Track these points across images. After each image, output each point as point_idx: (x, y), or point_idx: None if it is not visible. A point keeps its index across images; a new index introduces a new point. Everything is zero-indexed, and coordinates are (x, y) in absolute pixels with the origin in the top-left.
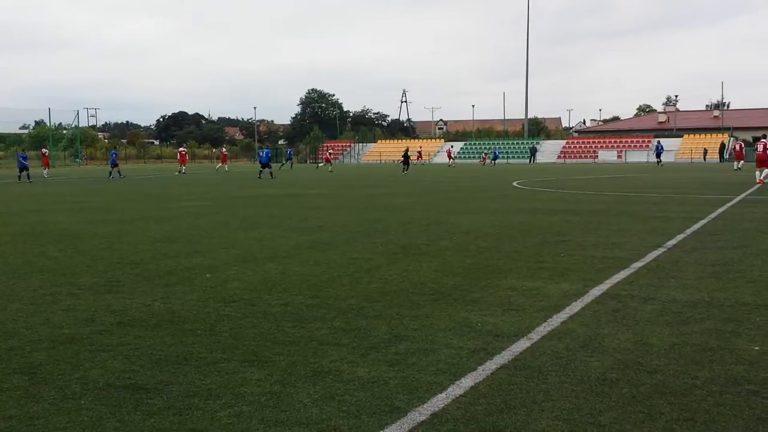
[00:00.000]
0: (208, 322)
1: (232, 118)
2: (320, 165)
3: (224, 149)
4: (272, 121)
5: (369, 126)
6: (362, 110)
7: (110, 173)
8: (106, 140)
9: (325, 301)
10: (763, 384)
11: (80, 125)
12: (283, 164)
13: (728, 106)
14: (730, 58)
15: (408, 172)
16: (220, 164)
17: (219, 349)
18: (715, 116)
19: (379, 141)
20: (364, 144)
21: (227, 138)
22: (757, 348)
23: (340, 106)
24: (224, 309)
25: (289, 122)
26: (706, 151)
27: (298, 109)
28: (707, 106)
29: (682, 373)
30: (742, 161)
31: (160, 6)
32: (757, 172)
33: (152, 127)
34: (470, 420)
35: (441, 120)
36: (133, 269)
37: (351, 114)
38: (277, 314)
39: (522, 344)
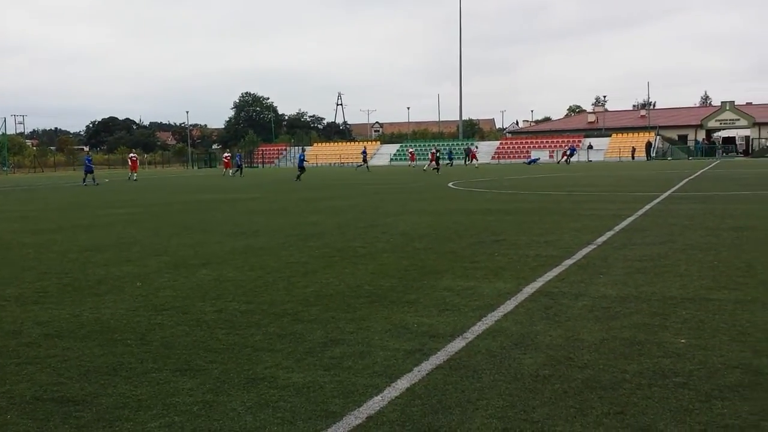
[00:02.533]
0: (138, 332)
1: (163, 122)
2: (230, 172)
3: (133, 155)
4: (205, 126)
5: (305, 129)
6: (298, 113)
7: (84, 180)
8: (35, 147)
9: (259, 306)
10: (690, 376)
11: (7, 132)
12: (236, 170)
13: (654, 106)
14: (656, 59)
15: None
16: (132, 173)
17: (150, 358)
18: (642, 116)
19: (316, 144)
20: (300, 147)
21: (159, 143)
22: (683, 341)
23: (275, 110)
24: (156, 317)
25: (223, 126)
26: (634, 150)
27: (231, 113)
28: (634, 105)
29: (612, 367)
30: None
31: (88, 11)
32: None
33: (82, 133)
34: (406, 421)
35: (377, 122)
36: (62, 279)
37: (286, 117)
38: (210, 321)
39: (457, 344)
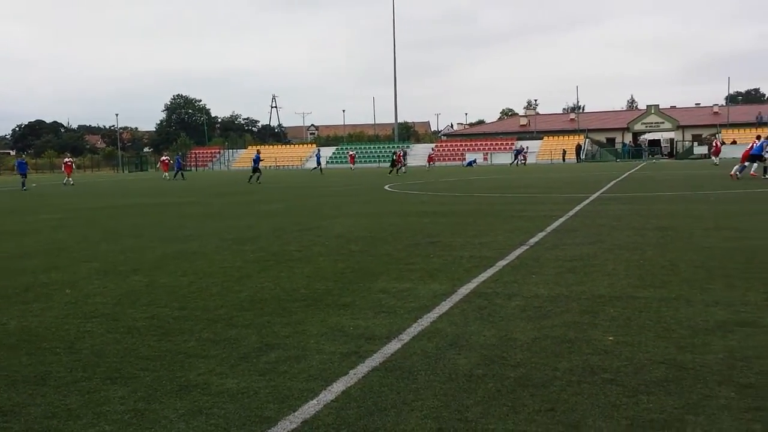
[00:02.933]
0: (67, 340)
1: (92, 125)
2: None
3: (69, 159)
4: (136, 128)
5: (239, 132)
6: (231, 116)
7: (23, 184)
8: None
9: (193, 312)
10: (617, 372)
11: None
12: (177, 174)
13: (583, 109)
14: (584, 64)
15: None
16: (67, 177)
17: (79, 367)
18: (571, 119)
19: (250, 147)
20: (235, 150)
21: (88, 146)
22: (611, 338)
23: (207, 112)
24: (85, 325)
25: (155, 129)
26: (564, 152)
27: (163, 116)
28: (564, 109)
29: (544, 365)
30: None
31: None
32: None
33: (8, 137)
34: (341, 425)
35: (312, 125)
36: None
37: (219, 120)
38: (141, 328)
39: (393, 346)
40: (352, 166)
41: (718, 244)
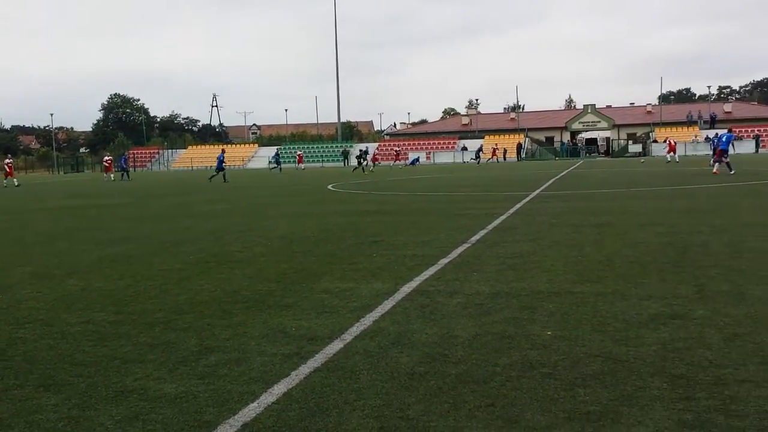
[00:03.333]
0: None
1: (26, 125)
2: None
3: (8, 160)
4: (72, 128)
5: (178, 132)
6: (171, 115)
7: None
8: None
9: (129, 316)
10: (555, 366)
11: None
12: (122, 174)
13: (523, 109)
14: (524, 63)
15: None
16: (6, 179)
17: (11, 374)
18: (512, 118)
19: (190, 147)
20: (174, 150)
21: (21, 147)
22: (549, 333)
23: (146, 112)
24: (17, 332)
25: (91, 129)
26: (505, 151)
27: (100, 115)
28: (505, 108)
29: (484, 362)
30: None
31: None
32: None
33: None
34: (282, 427)
35: (254, 124)
36: None
37: (158, 119)
38: (76, 333)
39: (335, 346)
40: (300, 165)
41: (652, 240)
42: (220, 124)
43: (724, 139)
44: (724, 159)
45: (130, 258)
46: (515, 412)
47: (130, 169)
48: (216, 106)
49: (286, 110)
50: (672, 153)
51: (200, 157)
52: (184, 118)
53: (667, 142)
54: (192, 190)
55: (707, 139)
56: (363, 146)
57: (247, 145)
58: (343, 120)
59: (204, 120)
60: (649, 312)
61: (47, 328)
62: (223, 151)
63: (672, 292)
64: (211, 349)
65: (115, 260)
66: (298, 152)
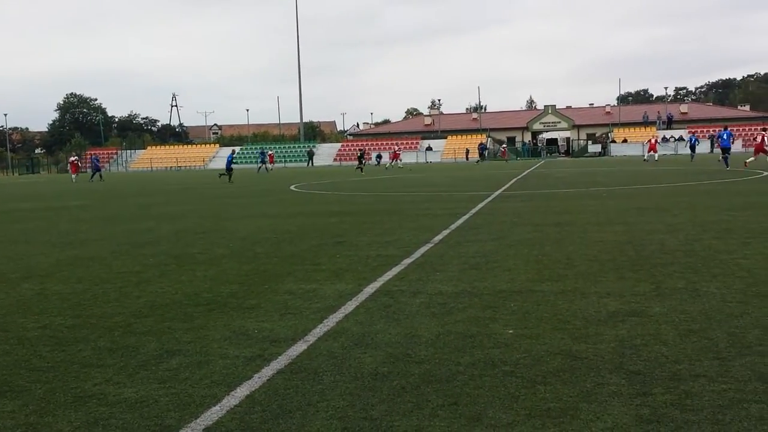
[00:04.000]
0: None
1: None
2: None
3: None
4: (27, 129)
5: (137, 132)
6: (129, 115)
7: None
8: None
9: (88, 320)
10: (517, 364)
11: None
12: (94, 174)
13: (485, 109)
14: (486, 64)
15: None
16: None
17: None
18: (474, 118)
19: (150, 147)
20: (133, 151)
21: None
22: (511, 331)
23: (103, 111)
24: None
25: (47, 129)
26: (468, 151)
27: (56, 115)
28: (467, 109)
29: (447, 361)
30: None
31: None
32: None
33: None
34: (245, 430)
35: (215, 124)
36: None
37: (116, 120)
38: (33, 339)
39: (299, 347)
40: (271, 166)
41: (611, 239)
42: (180, 125)
43: (725, 137)
44: (725, 156)
45: (88, 261)
46: (477, 410)
47: (85, 170)
48: (176, 105)
49: (247, 110)
50: (651, 152)
51: (160, 157)
52: (144, 118)
53: (649, 141)
54: (153, 191)
55: (664, 139)
56: (362, 147)
57: (207, 146)
58: (305, 120)
59: (164, 120)
60: (607, 309)
61: (3, 334)
62: (233, 152)
63: (630, 289)
64: (172, 353)
65: (73, 263)
66: (269, 152)
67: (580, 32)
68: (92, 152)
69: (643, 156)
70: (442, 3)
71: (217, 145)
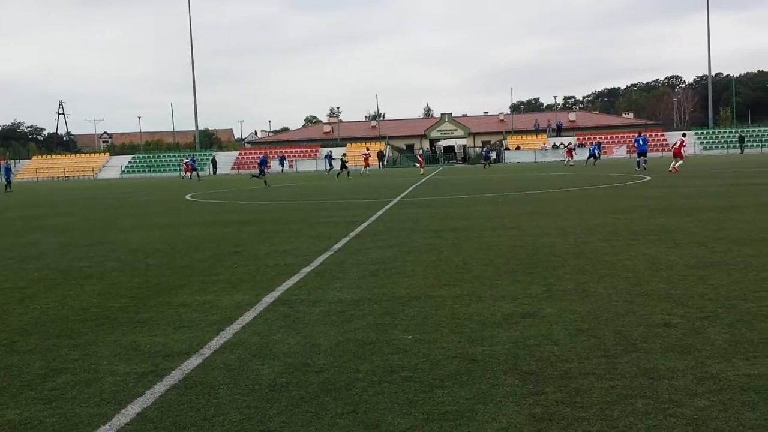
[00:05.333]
0: None
1: None
2: None
3: None
4: None
5: (22, 141)
6: (13, 124)
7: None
8: None
9: None
10: (415, 369)
11: None
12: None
13: (384, 117)
14: (384, 73)
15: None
16: None
17: None
18: (373, 126)
19: (35, 157)
20: (17, 161)
21: None
22: (410, 337)
23: None
24: None
25: None
26: (367, 158)
27: None
28: (366, 117)
29: (346, 369)
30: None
31: None
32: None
33: None
34: None
35: (105, 133)
36: None
37: None
38: None
39: (193, 361)
40: (185, 174)
41: (505, 243)
42: (68, 133)
43: (641, 142)
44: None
45: None
46: (376, 416)
47: None
48: (63, 113)
49: (139, 118)
50: (569, 158)
51: (46, 167)
52: (28, 127)
53: (566, 147)
54: (39, 203)
55: (554, 146)
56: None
57: (97, 155)
58: (201, 128)
59: (50, 129)
60: (502, 312)
61: None
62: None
63: (523, 291)
64: (59, 371)
65: None
66: (185, 160)
67: (474, 43)
68: None
69: (565, 162)
70: (340, 12)
71: (107, 154)
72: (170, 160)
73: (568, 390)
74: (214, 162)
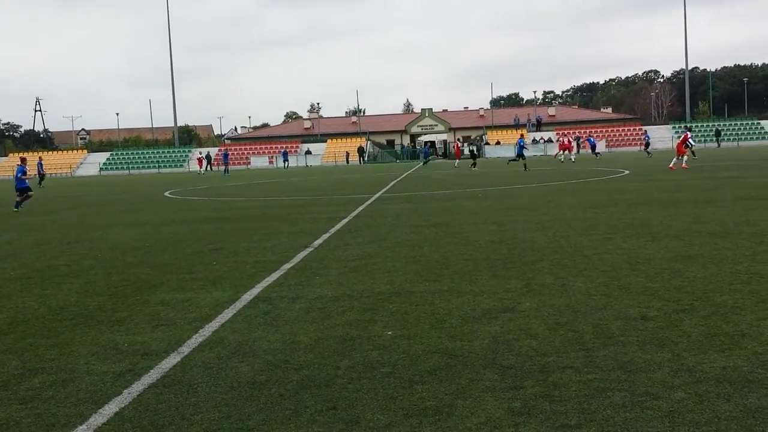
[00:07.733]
0: None
1: None
2: None
3: None
4: None
5: None
6: None
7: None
8: None
9: None
10: (395, 365)
11: None
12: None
13: (364, 113)
14: (364, 69)
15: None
16: None
17: None
18: (353, 122)
19: (11, 154)
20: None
21: None
22: (390, 333)
23: None
24: None
25: None
26: (348, 154)
27: None
28: (346, 112)
29: (326, 365)
30: (458, 160)
31: None
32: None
33: None
34: None
35: (83, 129)
36: None
37: None
38: None
39: (172, 360)
40: (201, 169)
41: (485, 238)
42: (45, 130)
43: (519, 144)
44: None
45: None
46: (356, 413)
47: None
48: (39, 110)
49: (117, 114)
50: (563, 152)
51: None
52: (4, 124)
53: (560, 141)
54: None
55: (534, 141)
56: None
57: (74, 152)
58: (180, 124)
59: (27, 125)
60: (482, 307)
61: None
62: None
63: (503, 286)
64: (35, 371)
65: None
66: (197, 155)
67: (454, 39)
68: None
69: (558, 157)
70: (319, 7)
71: (85, 151)
72: (149, 157)
73: (546, 384)
74: (208, 158)
